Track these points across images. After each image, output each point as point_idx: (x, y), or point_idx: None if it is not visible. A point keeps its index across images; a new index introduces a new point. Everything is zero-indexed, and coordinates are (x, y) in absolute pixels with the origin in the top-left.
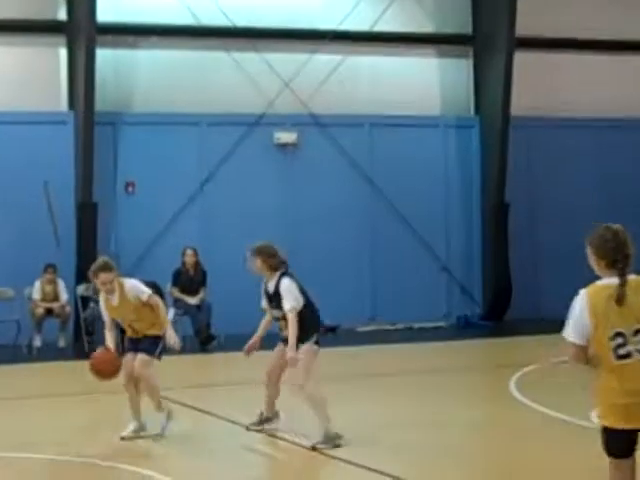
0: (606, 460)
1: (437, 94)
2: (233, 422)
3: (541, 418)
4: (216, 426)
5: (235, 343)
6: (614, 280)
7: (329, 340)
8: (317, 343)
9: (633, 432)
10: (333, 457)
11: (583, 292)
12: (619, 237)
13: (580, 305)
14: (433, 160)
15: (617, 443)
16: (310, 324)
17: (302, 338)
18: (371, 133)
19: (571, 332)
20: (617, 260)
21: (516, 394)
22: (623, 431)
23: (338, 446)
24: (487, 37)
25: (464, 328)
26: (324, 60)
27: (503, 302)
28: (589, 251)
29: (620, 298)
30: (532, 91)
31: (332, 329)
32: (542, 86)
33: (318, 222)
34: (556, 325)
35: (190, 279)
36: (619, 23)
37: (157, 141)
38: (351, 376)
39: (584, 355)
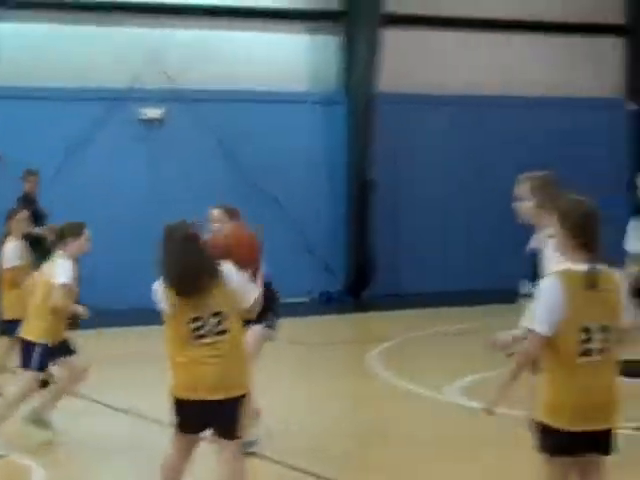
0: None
1: (305, 71)
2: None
3: (397, 391)
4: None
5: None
6: (582, 266)
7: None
8: (271, 326)
9: (582, 434)
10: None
11: (555, 277)
12: (597, 214)
13: (553, 291)
14: (300, 137)
15: (562, 443)
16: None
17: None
18: (238, 109)
19: (539, 322)
20: (591, 242)
21: (374, 367)
22: (571, 432)
23: None
24: (356, 14)
25: (326, 304)
26: (192, 35)
27: (364, 279)
28: (559, 226)
29: (593, 286)
30: (401, 68)
31: None
32: (411, 63)
33: (183, 200)
34: (414, 302)
35: None
36: (488, 0)
37: (21, 115)
38: None
39: (542, 349)
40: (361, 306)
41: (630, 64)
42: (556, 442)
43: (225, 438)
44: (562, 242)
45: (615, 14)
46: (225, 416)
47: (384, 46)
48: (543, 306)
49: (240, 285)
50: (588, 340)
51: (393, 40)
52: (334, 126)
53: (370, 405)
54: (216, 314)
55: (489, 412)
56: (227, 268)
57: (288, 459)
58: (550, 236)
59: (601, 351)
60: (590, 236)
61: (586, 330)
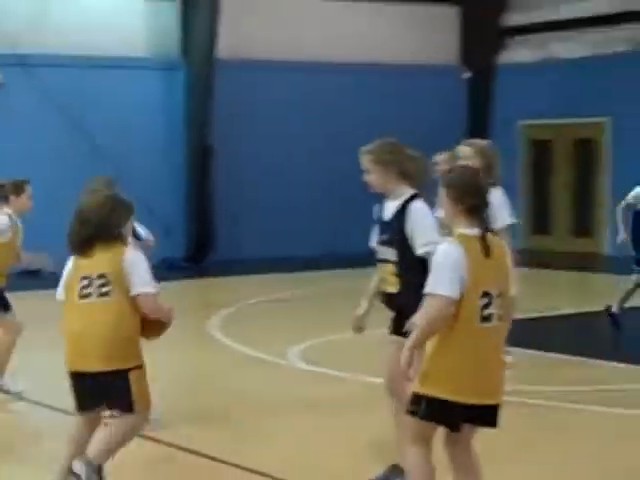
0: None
1: (144, 36)
2: None
3: (239, 357)
4: None
5: None
6: (474, 231)
7: (33, 284)
8: None
9: (473, 407)
10: None
11: (455, 242)
12: (480, 178)
13: (455, 256)
14: (139, 103)
15: (448, 414)
16: None
17: None
18: (77, 75)
19: (445, 285)
20: (478, 206)
21: (215, 334)
22: (461, 405)
23: None
24: None
25: (167, 270)
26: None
27: (205, 245)
28: (444, 192)
29: (487, 251)
30: (242, 34)
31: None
32: (252, 29)
33: (27, 168)
34: (256, 268)
35: None
36: None
37: None
38: None
39: (451, 313)
40: (202, 272)
41: (464, 32)
42: (441, 413)
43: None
44: (447, 208)
45: None
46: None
47: (224, 11)
48: (447, 270)
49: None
50: (488, 305)
51: (234, 5)
52: (173, 92)
53: (214, 373)
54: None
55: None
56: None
57: None
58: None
59: (499, 317)
60: (477, 201)
61: (486, 295)
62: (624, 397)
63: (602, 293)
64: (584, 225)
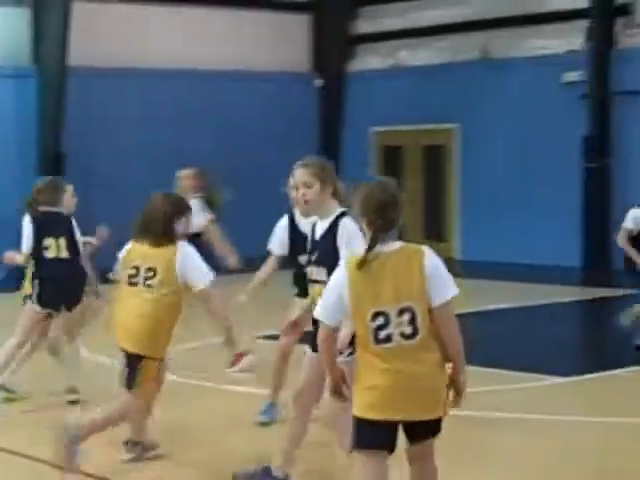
0: None
1: None
2: None
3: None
4: None
5: None
6: (361, 249)
7: None
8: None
9: (391, 423)
10: None
11: (342, 264)
12: (385, 193)
13: (337, 279)
14: None
15: (371, 434)
16: None
17: None
18: None
19: (323, 311)
20: (375, 221)
21: None
22: (377, 421)
23: None
24: None
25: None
26: None
27: None
28: (354, 206)
29: (361, 265)
30: (93, 42)
31: None
32: (104, 37)
33: None
34: None
35: None
36: None
37: None
38: None
39: (333, 339)
40: None
41: (316, 40)
42: (363, 435)
43: None
44: (360, 227)
45: None
46: None
47: (75, 18)
48: (328, 293)
49: None
50: (383, 326)
51: (86, 12)
52: (25, 99)
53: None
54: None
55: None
56: None
57: None
58: None
59: (406, 336)
60: (374, 213)
61: (380, 315)
62: (481, 397)
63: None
64: (436, 230)
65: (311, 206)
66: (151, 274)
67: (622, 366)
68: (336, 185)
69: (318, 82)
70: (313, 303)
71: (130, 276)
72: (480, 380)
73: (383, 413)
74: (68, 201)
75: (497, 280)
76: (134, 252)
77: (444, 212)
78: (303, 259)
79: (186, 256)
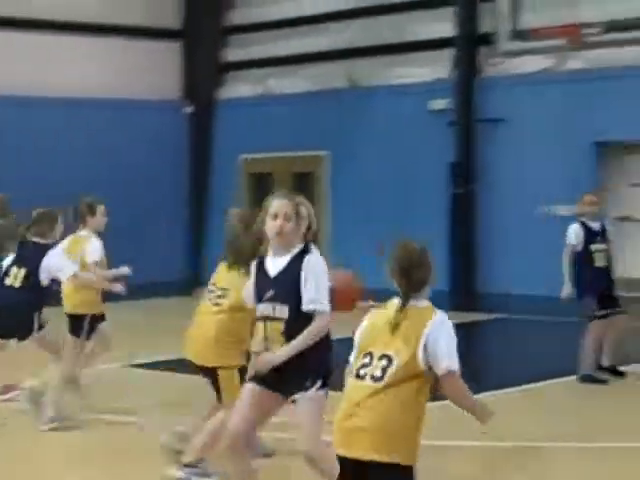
0: None
1: None
2: None
3: None
4: None
5: None
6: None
7: None
8: None
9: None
10: None
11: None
12: (405, 257)
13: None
14: None
15: (341, 468)
16: None
17: None
18: None
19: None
20: (400, 282)
21: None
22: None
23: None
24: None
25: None
26: None
27: None
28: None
29: (393, 328)
30: None
31: None
32: None
33: None
34: None
35: None
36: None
37: None
38: None
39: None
40: None
41: (186, 67)
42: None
43: None
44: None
45: (170, 19)
46: None
47: None
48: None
49: None
50: (366, 365)
51: None
52: None
53: None
54: None
55: None
56: None
57: None
58: None
59: (376, 379)
60: (396, 279)
61: (368, 355)
62: None
63: None
64: None
65: (284, 239)
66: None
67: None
68: (312, 224)
69: (188, 109)
70: (271, 341)
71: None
72: None
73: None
74: (99, 220)
75: None
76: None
77: (317, 239)
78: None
79: None
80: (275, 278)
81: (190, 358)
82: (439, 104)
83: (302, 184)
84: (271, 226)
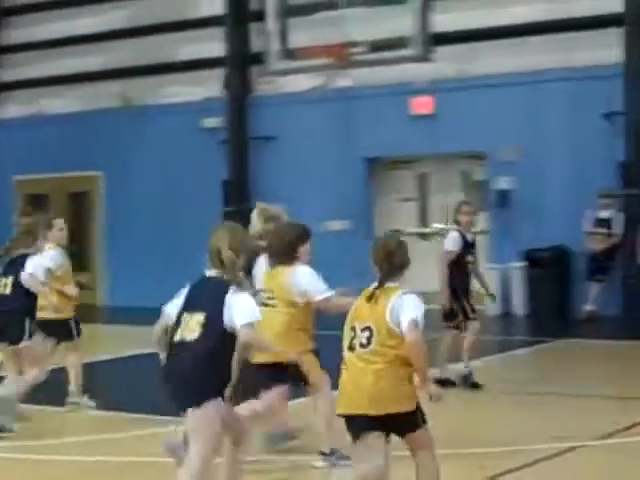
0: None
1: None
2: None
3: None
4: None
5: None
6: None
7: None
8: None
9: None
10: None
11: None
12: (378, 246)
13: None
14: None
15: (347, 427)
16: None
17: None
18: None
19: None
20: (380, 266)
21: None
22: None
23: None
24: None
25: None
26: None
27: None
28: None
29: (369, 299)
30: None
31: None
32: None
33: None
34: None
35: None
36: None
37: None
38: None
39: None
40: None
41: None
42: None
43: None
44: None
45: None
46: None
47: None
48: None
49: None
50: (353, 337)
51: None
52: None
53: None
54: None
55: None
56: None
57: None
58: None
59: (362, 346)
60: (378, 264)
61: (352, 329)
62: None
63: (101, 343)
64: (82, 277)
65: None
66: None
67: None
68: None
69: None
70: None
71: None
72: (126, 425)
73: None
74: (55, 234)
75: (146, 325)
76: None
77: (90, 259)
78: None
79: None
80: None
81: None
82: (211, 122)
83: (78, 204)
84: None
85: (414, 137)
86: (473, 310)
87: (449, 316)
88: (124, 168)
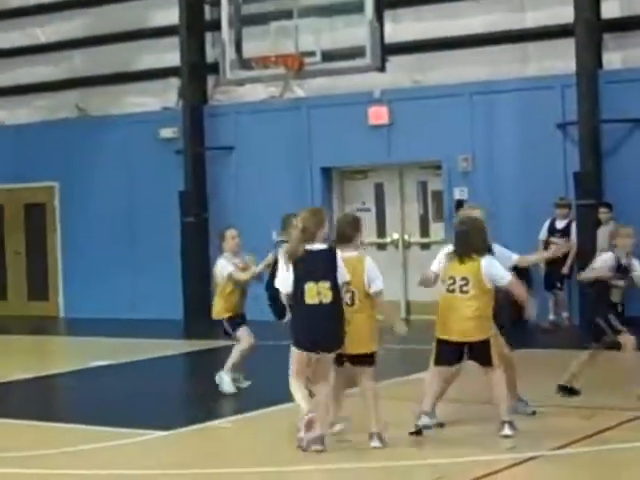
0: None
1: None
2: None
3: None
4: None
5: None
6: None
7: None
8: None
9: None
10: None
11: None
12: (342, 220)
13: None
14: None
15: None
16: None
17: None
18: None
19: None
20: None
21: None
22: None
23: None
24: None
25: None
26: None
27: None
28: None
29: None
30: None
31: None
32: None
33: None
34: None
35: None
36: None
37: None
38: None
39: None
40: None
41: None
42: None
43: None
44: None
45: None
46: None
47: None
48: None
49: None
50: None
51: None
52: None
53: None
54: None
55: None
56: None
57: None
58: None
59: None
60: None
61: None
62: (84, 457)
63: (59, 355)
64: (39, 289)
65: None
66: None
67: (221, 416)
68: None
69: None
70: None
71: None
72: (86, 439)
73: None
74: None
75: (103, 337)
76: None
77: (47, 270)
78: None
79: None
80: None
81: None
82: (167, 133)
83: (34, 216)
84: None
85: (370, 147)
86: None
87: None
88: (80, 179)
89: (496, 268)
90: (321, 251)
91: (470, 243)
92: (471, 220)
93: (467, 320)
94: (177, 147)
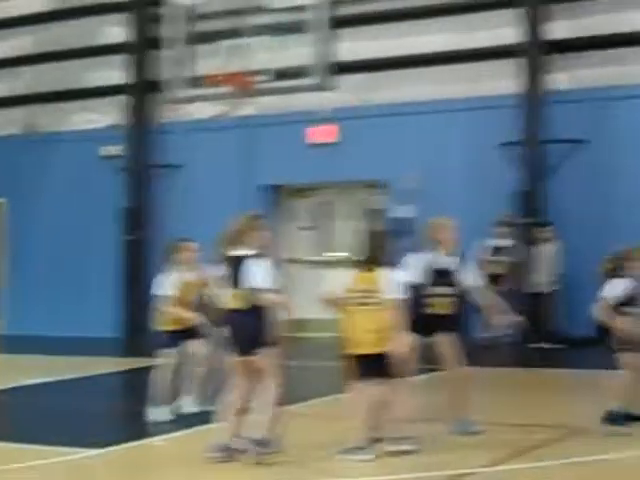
0: None
1: None
2: None
3: None
4: None
5: None
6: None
7: None
8: None
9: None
10: None
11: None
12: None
13: None
14: None
15: None
16: None
17: None
18: None
19: None
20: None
21: None
22: None
23: None
24: None
25: None
26: None
27: None
28: None
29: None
30: None
31: None
32: None
33: None
34: None
35: None
36: None
37: None
38: None
39: None
40: None
41: None
42: None
43: None
44: None
45: None
46: None
47: None
48: None
49: None
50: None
51: None
52: None
53: None
54: None
55: None
56: None
57: None
58: None
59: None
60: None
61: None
62: (7, 476)
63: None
64: None
65: None
66: None
67: (160, 433)
68: None
69: None
70: None
71: None
72: (11, 457)
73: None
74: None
75: (42, 354)
76: None
77: None
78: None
79: None
80: None
81: None
82: (110, 150)
83: None
84: None
85: (316, 165)
86: None
87: None
88: (27, 195)
89: (392, 282)
90: (240, 257)
91: (371, 254)
92: (372, 231)
93: (368, 332)
94: (120, 164)
